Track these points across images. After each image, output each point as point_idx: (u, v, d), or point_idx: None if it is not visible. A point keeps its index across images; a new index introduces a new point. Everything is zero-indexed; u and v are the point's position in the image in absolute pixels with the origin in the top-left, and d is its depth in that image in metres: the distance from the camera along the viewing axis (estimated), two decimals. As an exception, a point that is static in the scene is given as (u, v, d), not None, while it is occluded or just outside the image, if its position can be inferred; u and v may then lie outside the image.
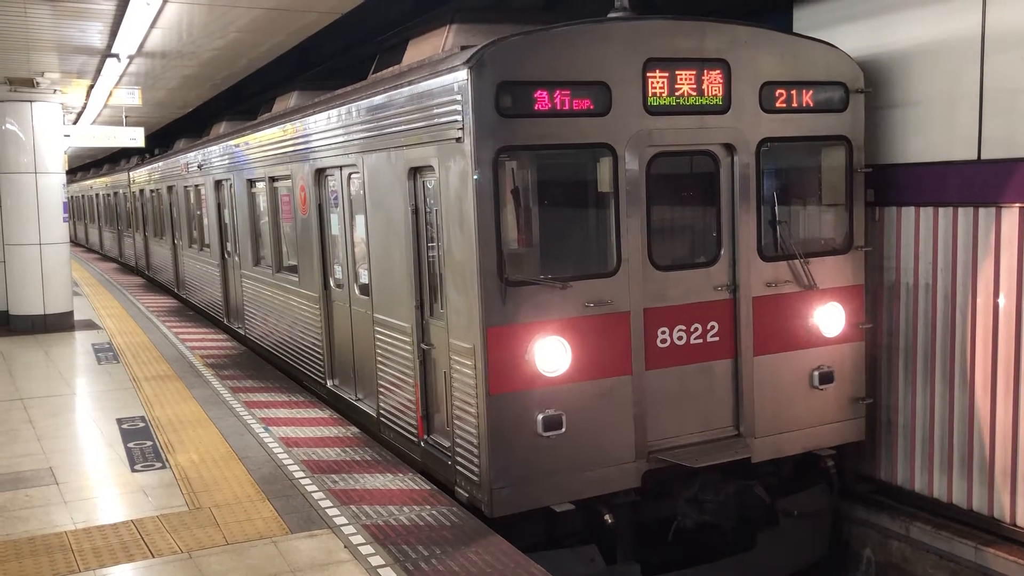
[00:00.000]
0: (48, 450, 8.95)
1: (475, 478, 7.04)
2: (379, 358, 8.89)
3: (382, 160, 8.38)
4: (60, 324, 16.54)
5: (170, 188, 21.03)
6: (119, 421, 9.95)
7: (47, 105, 16.50)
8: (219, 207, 16.08)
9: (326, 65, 14.82)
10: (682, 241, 7.99)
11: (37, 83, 15.74)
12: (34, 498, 7.54)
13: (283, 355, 12.67)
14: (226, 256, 16.13)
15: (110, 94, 16.51)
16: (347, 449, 8.73)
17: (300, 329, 11.63)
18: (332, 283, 10.39)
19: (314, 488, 7.58)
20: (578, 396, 7.04)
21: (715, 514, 7.62)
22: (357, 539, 6.50)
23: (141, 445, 8.96)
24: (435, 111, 7.16)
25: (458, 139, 6.74)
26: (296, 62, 13.89)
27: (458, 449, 7.31)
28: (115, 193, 32.97)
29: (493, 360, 6.72)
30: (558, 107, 6.77)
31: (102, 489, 7.86)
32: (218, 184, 15.92)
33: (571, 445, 7.00)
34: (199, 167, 17.20)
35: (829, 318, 8.00)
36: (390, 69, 9.00)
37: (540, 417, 6.85)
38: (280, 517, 6.96)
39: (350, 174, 9.42)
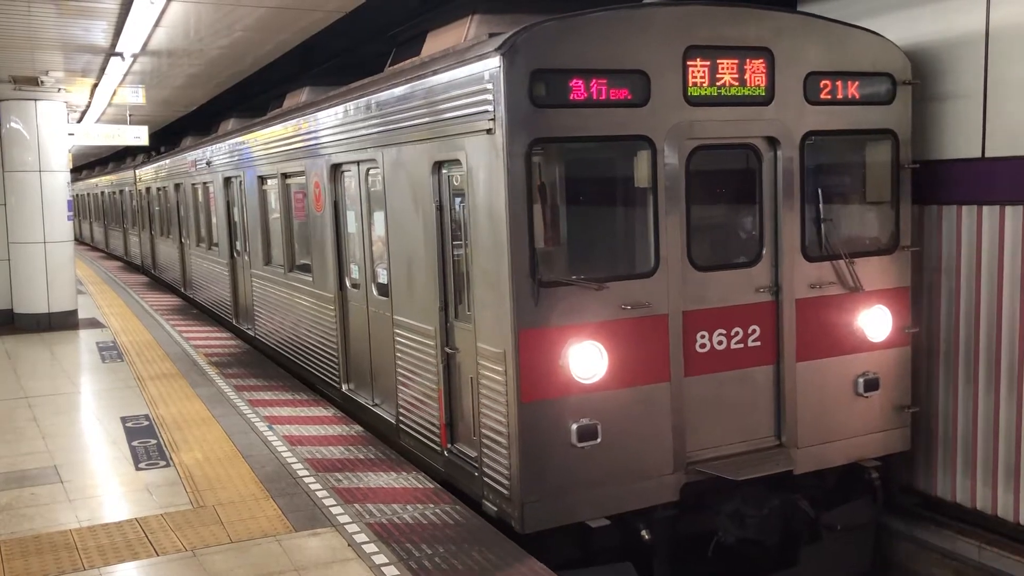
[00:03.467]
0: (53, 448, 8.77)
1: (505, 491, 6.53)
2: (399, 362, 8.38)
3: (404, 154, 7.89)
4: (64, 322, 16.16)
5: (177, 186, 20.14)
6: (123, 419, 9.73)
7: (51, 103, 16.12)
8: (228, 205, 15.33)
9: (331, 64, 14.71)
10: (722, 240, 7.46)
11: (41, 82, 15.29)
12: (39, 496, 7.42)
13: (295, 357, 12.05)
14: (235, 255, 15.43)
15: (114, 93, 15.81)
16: (351, 447, 8.55)
17: (313, 331, 11.03)
18: (348, 283, 9.82)
19: (318, 486, 7.44)
20: (614, 404, 6.54)
21: (757, 529, 7.08)
22: (361, 537, 6.38)
23: (145, 443, 8.80)
24: (463, 101, 6.67)
25: (488, 131, 6.27)
26: (300, 61, 13.87)
27: (486, 460, 6.79)
28: (120, 191, 31.82)
29: (525, 365, 6.25)
30: (594, 97, 6.27)
31: (106, 487, 7.73)
32: (227, 181, 15.20)
33: (607, 456, 6.50)
34: (207, 164, 16.44)
35: (875, 322, 7.47)
36: (408, 61, 8.49)
37: (574, 427, 6.34)
38: (284, 515, 6.84)
39: (368, 169, 8.88)
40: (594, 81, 6.30)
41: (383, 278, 8.83)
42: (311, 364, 11.34)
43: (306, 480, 7.62)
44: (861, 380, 7.45)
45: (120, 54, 12.42)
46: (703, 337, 6.84)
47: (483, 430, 6.82)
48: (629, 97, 6.43)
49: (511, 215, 6.19)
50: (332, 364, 10.46)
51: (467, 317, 7.09)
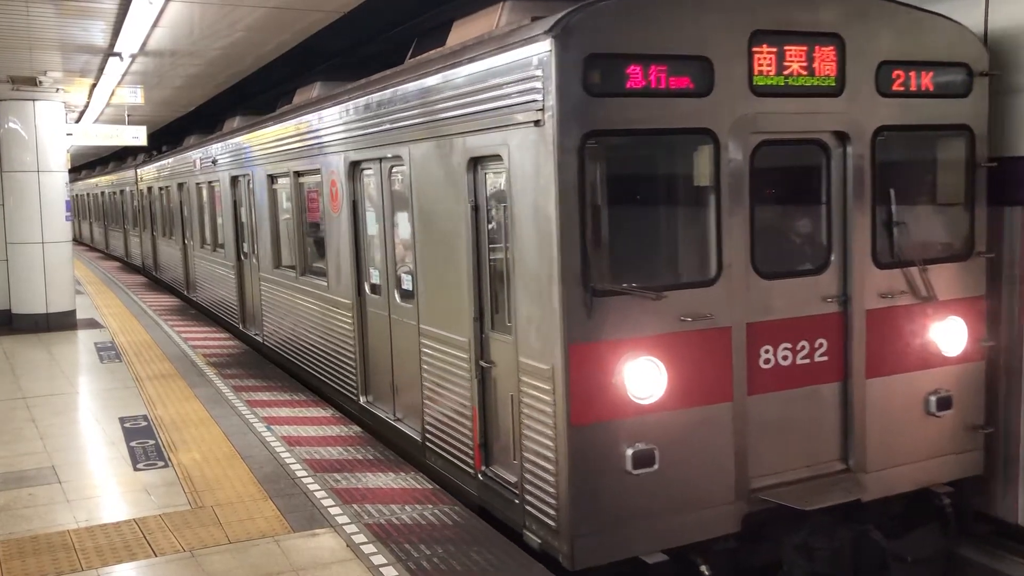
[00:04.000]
0: (51, 449, 8.52)
1: (551, 523, 5.74)
2: (425, 375, 7.57)
3: (433, 150, 7.08)
4: (63, 323, 15.62)
5: (180, 185, 18.90)
6: (122, 420, 9.44)
7: (50, 104, 15.56)
8: (235, 205, 14.34)
9: (334, 62, 14.73)
10: (787, 245, 6.67)
11: (40, 82, 14.62)
12: (37, 497, 7.22)
13: (307, 365, 11.02)
14: (242, 257, 14.36)
15: (112, 93, 15.26)
16: (349, 448, 8.29)
17: (328, 338, 10.07)
18: (367, 288, 8.96)
19: (316, 487, 7.24)
20: (672, 427, 5.78)
21: (829, 563, 6.30)
22: (359, 538, 6.20)
23: (143, 444, 8.57)
24: (505, 91, 5.91)
25: (536, 122, 5.54)
26: (302, 59, 13.83)
27: (528, 487, 5.99)
28: (121, 191, 30.01)
29: (576, 384, 5.51)
30: (652, 85, 5.55)
31: (105, 488, 7.50)
32: (234, 180, 14.16)
33: (664, 484, 5.75)
34: (213, 163, 15.33)
35: (948, 334, 6.68)
36: (433, 52, 7.73)
37: (629, 452, 5.59)
38: (282, 516, 6.65)
39: (392, 167, 8.06)
40: (653, 68, 5.56)
41: (407, 284, 8.01)
42: (325, 374, 10.38)
43: (305, 481, 7.41)
44: (933, 398, 6.65)
45: (119, 54, 11.94)
46: (767, 352, 6.11)
47: (525, 453, 6.02)
48: (691, 86, 5.69)
49: (561, 216, 5.45)
50: (349, 374, 9.56)
51: (506, 328, 6.31)
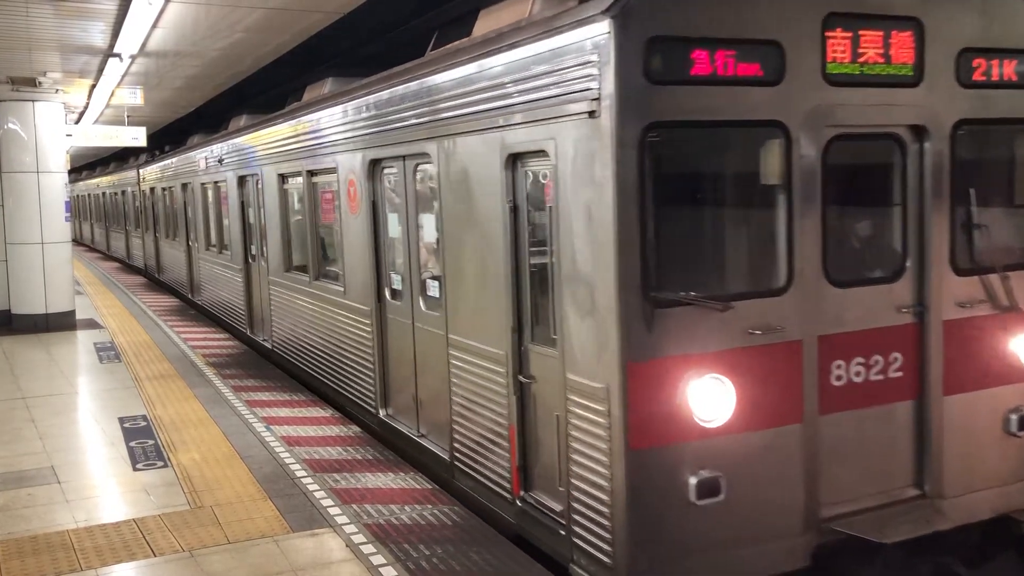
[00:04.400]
0: (50, 449, 8.40)
1: (605, 558, 5.13)
2: (455, 389, 6.88)
3: (466, 146, 6.43)
4: (62, 323, 15.36)
5: (185, 185, 18.04)
6: (121, 420, 9.30)
7: (49, 104, 15.30)
8: (243, 205, 13.49)
9: (332, 62, 14.56)
10: (859, 250, 6.00)
11: (39, 83, 14.40)
12: (36, 497, 7.13)
13: (321, 375, 10.24)
14: (250, 260, 13.57)
15: (112, 94, 15.09)
16: (349, 448, 8.16)
17: (344, 346, 9.38)
18: (388, 295, 8.29)
19: (316, 487, 7.14)
20: (739, 451, 5.17)
21: None
22: (359, 538, 6.11)
23: (143, 444, 8.45)
24: (553, 79, 5.29)
25: (591, 113, 4.93)
26: (302, 60, 13.83)
27: (576, 517, 5.37)
28: (123, 192, 28.86)
29: (636, 404, 4.90)
30: (719, 72, 4.95)
31: (104, 488, 7.42)
32: (242, 180, 13.35)
33: (729, 515, 5.14)
34: (219, 162, 14.55)
35: None
36: (460, 42, 7.10)
37: (694, 481, 4.98)
38: (282, 516, 6.57)
39: (417, 164, 7.41)
40: (720, 53, 4.94)
41: (434, 291, 7.32)
42: (341, 384, 9.62)
43: (304, 481, 7.30)
44: (1014, 416, 5.95)
45: (118, 55, 11.72)
46: (839, 367, 5.46)
47: (574, 480, 5.37)
48: (760, 74, 5.08)
49: (620, 217, 4.82)
50: (366, 386, 8.85)
51: (550, 341, 5.66)
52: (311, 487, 7.16)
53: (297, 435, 8.65)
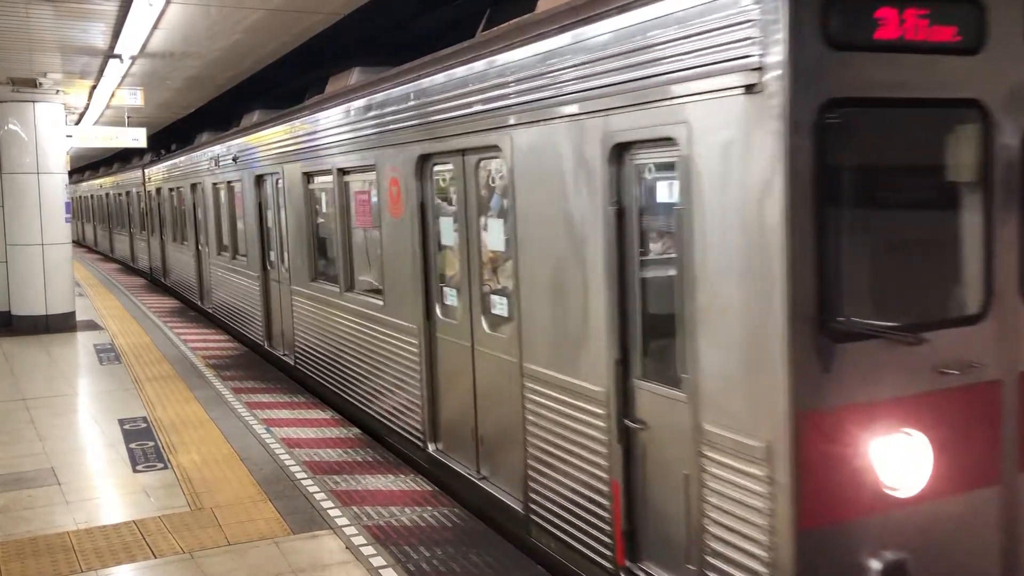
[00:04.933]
0: (50, 450, 8.40)
1: None
2: (532, 428, 5.81)
3: (551, 136, 5.34)
4: (62, 324, 15.37)
5: (194, 186, 17.09)
6: (121, 422, 9.31)
7: (49, 105, 15.33)
8: (260, 207, 12.52)
9: (338, 55, 14.13)
10: None
11: (39, 83, 14.48)
12: (36, 498, 7.13)
13: (355, 399, 9.16)
14: (268, 267, 12.55)
15: (112, 95, 15.07)
16: (349, 450, 8.17)
17: (383, 368, 8.34)
18: (438, 311, 7.28)
19: (316, 489, 7.16)
20: (928, 524, 4.15)
21: None
22: (359, 540, 6.12)
23: (143, 446, 8.45)
24: (689, 47, 4.20)
25: (749, 87, 3.86)
26: (316, 55, 13.62)
27: None
28: (127, 192, 28.04)
29: (810, 469, 3.85)
30: (908, 36, 3.93)
31: (104, 489, 7.47)
32: (259, 180, 12.40)
33: None
34: (234, 160, 13.60)
35: None
36: (520, 19, 6.13)
37: (877, 566, 3.96)
38: (282, 518, 6.58)
39: (480, 160, 6.42)
40: (909, 12, 3.93)
41: (502, 308, 6.35)
42: (379, 410, 8.54)
43: (304, 482, 7.32)
44: None
45: (118, 56, 11.75)
46: None
47: (712, 559, 4.31)
48: (957, 39, 4.06)
49: (792, 224, 3.78)
50: (411, 415, 7.80)
51: (672, 379, 4.61)
52: (311, 489, 7.19)
53: (297, 437, 8.66)
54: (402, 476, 7.48)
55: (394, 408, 8.22)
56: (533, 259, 5.74)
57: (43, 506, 7.01)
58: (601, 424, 5.13)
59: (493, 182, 6.46)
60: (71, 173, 22.93)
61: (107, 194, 33.64)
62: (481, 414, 6.79)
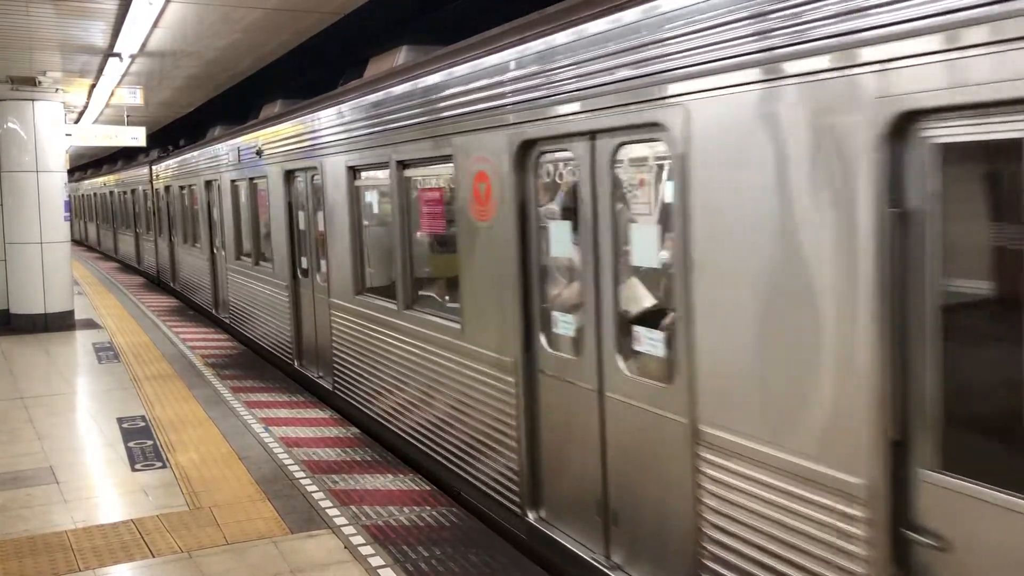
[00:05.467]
0: (48, 449, 8.37)
1: None
2: (714, 519, 4.27)
3: (768, 106, 3.77)
4: (61, 323, 15.38)
5: (209, 183, 15.82)
6: (119, 420, 9.28)
7: (49, 104, 15.30)
8: (290, 207, 11.15)
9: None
10: None
11: (39, 82, 14.49)
12: (34, 497, 7.09)
13: (417, 439, 7.65)
14: (299, 276, 11.15)
15: (112, 93, 15.12)
16: (347, 449, 8.13)
17: (461, 407, 6.76)
18: (544, 342, 5.71)
19: (314, 488, 7.13)
20: None
21: None
22: (357, 539, 6.10)
23: (141, 444, 8.43)
24: None
25: None
26: (303, 61, 13.67)
27: None
28: (132, 191, 26.66)
29: None
30: None
31: (102, 488, 7.42)
32: (290, 176, 11.05)
33: None
34: (257, 154, 12.19)
35: None
36: None
37: None
38: (280, 517, 6.54)
39: (620, 146, 4.88)
40: None
41: (654, 345, 4.80)
42: (452, 458, 7.01)
43: (303, 482, 7.28)
44: None
45: (118, 55, 11.75)
46: None
47: None
48: None
49: None
50: (503, 469, 6.23)
51: (1001, 477, 3.01)
52: (310, 488, 7.19)
53: (296, 436, 8.66)
54: (401, 476, 7.47)
55: (474, 457, 6.64)
56: (724, 278, 4.17)
57: (41, 505, 7.00)
58: (858, 533, 3.49)
59: (644, 172, 4.92)
60: (72, 171, 22.78)
61: (111, 192, 32.32)
62: (614, 482, 5.21)
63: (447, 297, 7.42)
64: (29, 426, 9.29)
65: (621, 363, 5.08)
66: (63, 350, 13.84)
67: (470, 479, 6.75)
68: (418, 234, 7.91)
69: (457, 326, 6.83)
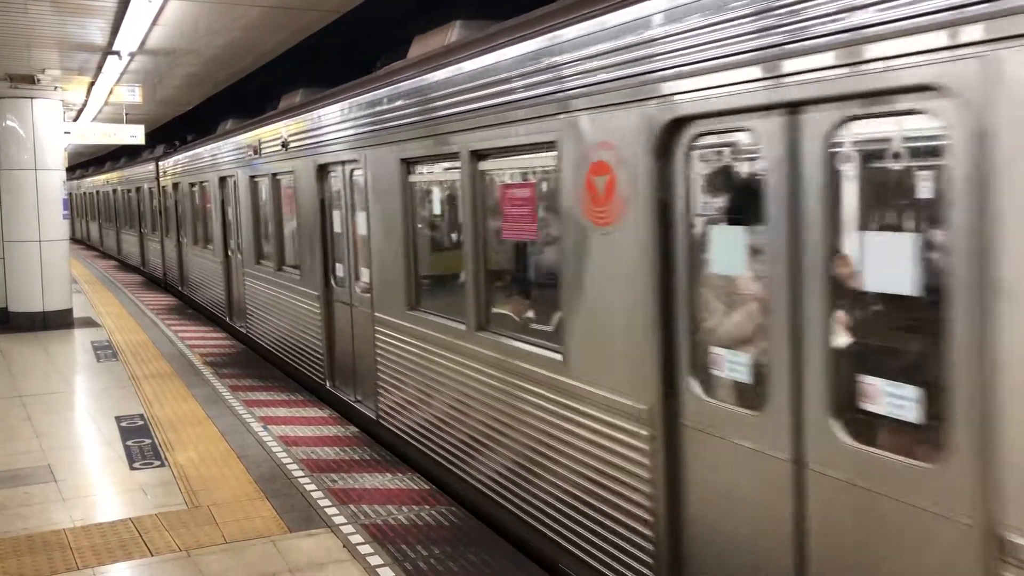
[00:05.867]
0: (47, 448, 8.35)
1: None
2: None
3: None
4: (59, 321, 15.36)
5: (223, 180, 14.51)
6: (118, 419, 9.26)
7: (48, 102, 15.28)
8: (323, 205, 9.70)
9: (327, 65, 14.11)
10: None
11: (38, 80, 14.53)
12: (33, 496, 7.07)
13: (496, 491, 6.31)
14: (332, 285, 9.70)
15: (111, 91, 15.25)
16: (346, 448, 8.11)
17: (563, 458, 5.38)
18: (695, 386, 4.36)
19: (313, 487, 7.11)
20: None
21: None
22: (356, 538, 6.08)
23: (140, 443, 8.41)
24: None
25: None
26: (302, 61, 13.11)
27: None
28: (137, 189, 25.34)
29: None
30: None
31: (101, 487, 7.41)
32: (323, 171, 9.62)
33: None
34: (283, 146, 10.85)
35: None
36: None
37: None
38: (279, 516, 6.52)
39: (846, 121, 3.48)
40: None
41: (906, 405, 3.38)
42: (548, 520, 5.63)
43: (301, 481, 7.27)
44: None
45: (117, 53, 11.82)
46: None
47: None
48: None
49: None
50: (631, 562, 4.84)
51: None
52: (308, 487, 7.18)
53: (294, 435, 8.65)
54: (399, 475, 7.47)
55: (581, 525, 5.29)
56: None
57: (39, 503, 6.99)
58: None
59: (891, 157, 3.46)
60: (72, 168, 22.66)
61: (114, 190, 30.88)
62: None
63: (533, 316, 6.29)
64: (27, 424, 9.28)
65: (837, 426, 3.65)
66: (62, 348, 13.84)
67: (573, 548, 5.36)
68: (492, 240, 6.58)
69: (557, 356, 5.44)
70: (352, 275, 9.16)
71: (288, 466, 7.73)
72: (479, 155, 6.31)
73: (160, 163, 21.28)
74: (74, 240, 40.16)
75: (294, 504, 6.83)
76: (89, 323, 16.04)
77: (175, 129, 21.91)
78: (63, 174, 16.11)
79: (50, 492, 7.24)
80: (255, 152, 12.30)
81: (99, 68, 13.50)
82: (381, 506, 6.76)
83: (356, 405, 9.11)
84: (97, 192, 36.09)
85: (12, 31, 11.11)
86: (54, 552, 6.04)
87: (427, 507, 6.71)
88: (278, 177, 11.56)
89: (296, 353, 11.12)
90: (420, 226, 7.76)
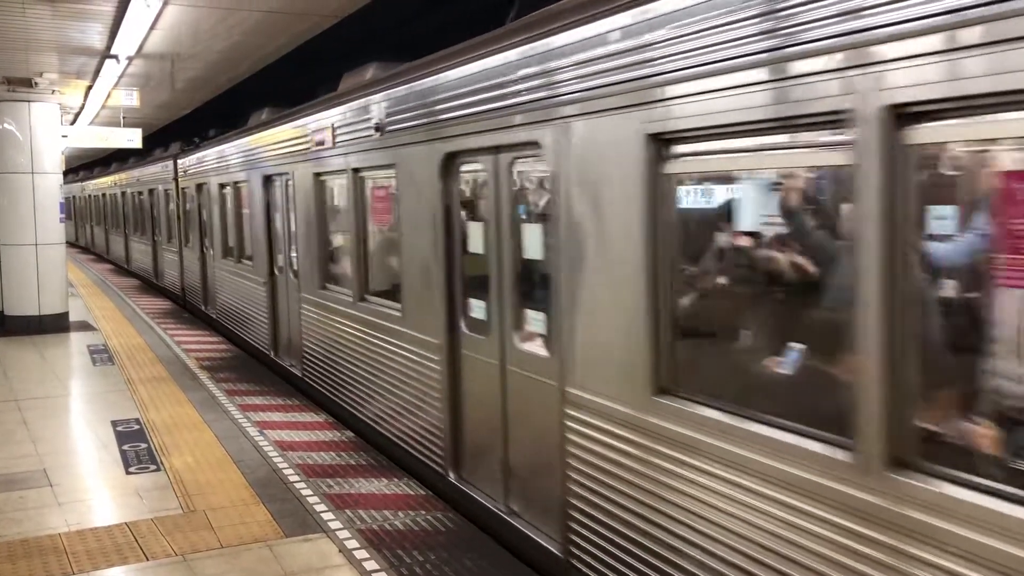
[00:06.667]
0: (42, 452, 8.35)
1: None
2: None
3: None
4: (55, 325, 15.36)
5: (269, 179, 11.56)
6: (114, 423, 9.26)
7: (45, 105, 15.28)
8: (447, 215, 6.64)
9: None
10: None
11: (35, 83, 14.53)
12: (28, 500, 7.07)
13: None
14: (461, 328, 6.62)
15: (108, 95, 15.23)
16: (342, 453, 8.16)
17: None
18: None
19: (309, 492, 7.14)
20: None
21: None
22: (352, 544, 6.11)
23: (136, 447, 8.42)
24: None
25: None
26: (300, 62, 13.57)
27: None
28: (150, 191, 22.37)
29: None
30: None
31: (96, 491, 7.42)
32: (451, 162, 6.59)
33: None
34: (376, 130, 7.76)
35: None
36: None
37: None
38: (275, 521, 6.55)
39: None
40: None
41: None
42: None
43: (297, 486, 7.30)
44: None
45: (115, 56, 11.86)
46: None
47: None
48: None
49: None
50: None
51: None
52: (304, 492, 7.20)
53: (290, 440, 8.66)
54: (396, 480, 7.48)
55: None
56: None
57: (35, 507, 7.00)
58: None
59: None
60: (74, 171, 22.46)
61: (122, 193, 27.68)
62: None
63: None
64: (23, 428, 9.30)
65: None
66: (57, 352, 13.86)
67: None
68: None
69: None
70: (507, 317, 6.10)
71: (284, 471, 7.74)
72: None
73: (179, 161, 18.43)
74: (78, 247, 39.80)
75: (290, 509, 6.85)
76: (85, 327, 16.08)
77: (177, 132, 21.73)
78: (60, 178, 16.13)
79: (46, 496, 7.25)
80: (315, 143, 9.53)
81: (97, 72, 13.54)
82: (377, 511, 6.79)
83: (468, 490, 6.81)
84: (103, 195, 32.72)
85: (10, 34, 11.13)
86: (49, 557, 6.05)
87: (423, 512, 6.73)
88: (360, 174, 8.59)
89: (402, 419, 7.83)
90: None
